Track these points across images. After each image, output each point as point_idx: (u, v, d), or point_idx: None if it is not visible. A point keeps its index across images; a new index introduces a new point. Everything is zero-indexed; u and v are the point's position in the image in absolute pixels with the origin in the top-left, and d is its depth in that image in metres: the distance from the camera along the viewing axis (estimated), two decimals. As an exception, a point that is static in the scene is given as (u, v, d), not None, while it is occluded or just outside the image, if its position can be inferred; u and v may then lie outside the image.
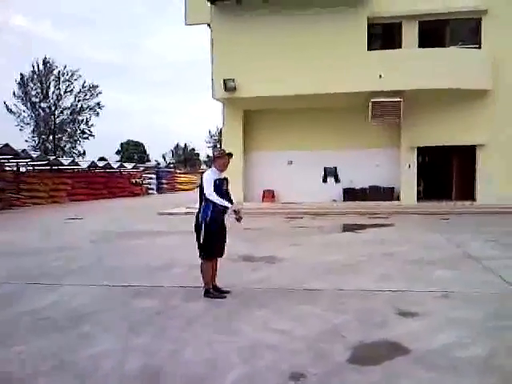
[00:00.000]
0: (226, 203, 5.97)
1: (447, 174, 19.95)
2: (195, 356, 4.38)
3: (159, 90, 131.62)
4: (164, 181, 48.30)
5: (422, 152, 19.80)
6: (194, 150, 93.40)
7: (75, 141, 56.89)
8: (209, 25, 19.88)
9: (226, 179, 6.22)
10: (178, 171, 61.94)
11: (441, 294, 6.34)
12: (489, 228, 12.72)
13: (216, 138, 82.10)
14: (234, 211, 6.04)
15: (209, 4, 18.97)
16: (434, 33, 18.95)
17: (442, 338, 4.74)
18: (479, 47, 18.44)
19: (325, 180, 20.87)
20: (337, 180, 20.79)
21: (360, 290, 6.53)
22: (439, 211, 16.97)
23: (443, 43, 18.82)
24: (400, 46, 18.86)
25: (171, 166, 78.95)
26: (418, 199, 19.26)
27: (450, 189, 19.84)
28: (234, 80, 18.39)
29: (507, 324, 5.15)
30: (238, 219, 6.11)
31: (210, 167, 6.32)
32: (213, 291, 6.27)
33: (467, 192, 18.99)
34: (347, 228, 13.43)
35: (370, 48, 18.29)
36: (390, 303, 5.91)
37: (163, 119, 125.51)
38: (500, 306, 5.81)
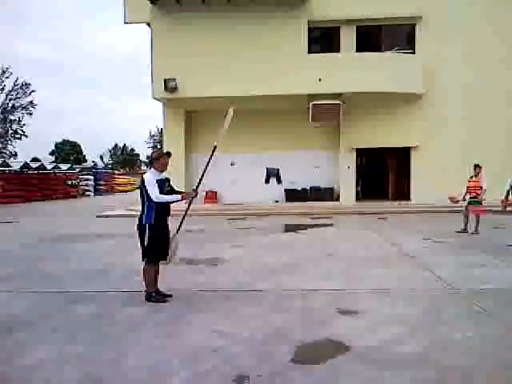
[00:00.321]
0: (176, 196, 5.94)
1: (384, 174, 20.66)
2: (137, 362, 4.27)
3: (97, 89, 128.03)
4: (102, 182, 46.96)
5: (361, 153, 20.40)
6: (133, 150, 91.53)
7: (6, 141, 54.17)
8: (148, 24, 19.54)
9: (167, 179, 6.13)
10: (117, 172, 60.42)
11: (379, 291, 6.53)
12: (423, 227, 13.26)
13: (156, 138, 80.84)
14: (193, 190, 6.14)
15: (149, 3, 18.64)
16: (371, 38, 19.59)
17: (380, 335, 4.87)
18: (413, 53, 19.23)
19: (267, 181, 21.05)
20: (279, 181, 21.02)
21: (302, 290, 6.61)
22: (376, 211, 17.52)
23: (380, 48, 19.47)
24: (339, 50, 19.34)
25: (109, 166, 76.94)
26: (357, 199, 19.83)
27: (387, 189, 20.56)
28: (175, 80, 18.17)
29: (442, 319, 5.37)
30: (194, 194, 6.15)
31: (149, 168, 6.19)
32: (155, 295, 6.14)
33: (403, 192, 19.76)
34: (289, 228, 13.59)
35: (310, 51, 18.63)
36: (331, 302, 6.03)
37: (102, 119, 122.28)
38: (435, 302, 6.06)
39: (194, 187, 6.30)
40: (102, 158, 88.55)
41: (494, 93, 18.81)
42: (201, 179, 6.42)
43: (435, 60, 18.77)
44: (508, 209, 10.56)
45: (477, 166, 12.13)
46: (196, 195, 6.23)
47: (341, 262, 8.60)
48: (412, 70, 18.57)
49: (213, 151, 6.37)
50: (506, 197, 11.51)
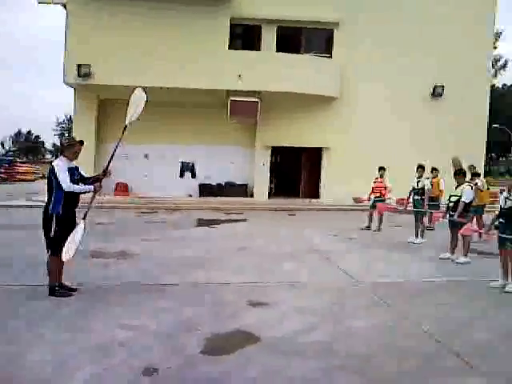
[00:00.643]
0: (89, 187, 5.71)
1: (297, 173, 21.23)
2: (41, 358, 4.07)
3: (6, 70, 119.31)
4: (1, 170, 43.83)
5: (276, 151, 20.80)
6: (38, 137, 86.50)
7: None
8: (64, 6, 18.54)
9: (76, 168, 5.87)
10: (19, 160, 56.75)
11: (289, 284, 6.73)
12: (331, 224, 13.81)
13: (64, 125, 77.00)
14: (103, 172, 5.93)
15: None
16: (292, 39, 20.02)
17: (289, 326, 5.03)
18: (330, 57, 19.93)
19: (182, 175, 20.83)
20: (193, 175, 20.88)
21: (213, 284, 6.65)
22: (288, 208, 17.98)
23: (299, 50, 19.96)
24: (259, 49, 19.56)
25: (11, 154, 72.12)
26: (270, 196, 20.21)
27: (299, 187, 21.15)
28: (89, 66, 17.43)
29: (346, 310, 5.65)
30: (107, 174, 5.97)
31: (57, 156, 5.89)
32: (59, 289, 5.87)
33: (314, 190, 20.44)
34: (202, 223, 13.57)
35: (232, 47, 18.67)
36: (242, 295, 6.11)
37: (7, 102, 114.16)
38: (340, 294, 6.35)
39: (105, 167, 6.03)
40: (2, 144, 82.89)
41: (402, 98, 19.94)
42: (110, 159, 6.13)
43: (348, 65, 19.57)
44: (408, 208, 11.29)
45: (381, 169, 12.84)
46: (108, 174, 5.98)
47: (252, 256, 8.74)
48: (329, 74, 19.24)
49: (123, 131, 6.10)
50: (408, 197, 12.24)
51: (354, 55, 19.70)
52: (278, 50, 19.56)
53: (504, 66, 61.04)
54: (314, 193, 20.43)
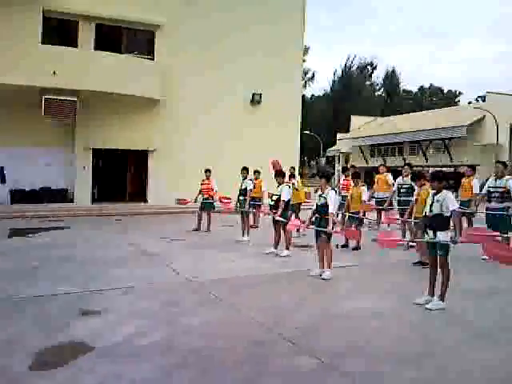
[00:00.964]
0: None
1: (123, 176, 20.60)
2: None
3: None
4: None
5: (99, 154, 19.90)
6: None
7: None
8: None
9: None
10: None
11: (120, 290, 6.54)
12: (160, 227, 13.76)
13: None
14: None
15: None
16: (112, 38, 19.34)
17: (124, 331, 4.92)
18: (153, 59, 19.77)
19: (-11, 180, 18.64)
20: (3, 180, 18.85)
21: (37, 296, 6.14)
22: (115, 213, 17.36)
23: (120, 50, 19.40)
24: (77, 46, 18.51)
25: None
26: (94, 201, 19.28)
27: (125, 191, 20.56)
28: None
29: (182, 309, 5.72)
30: None
31: None
32: None
33: (140, 194, 20.06)
34: (18, 232, 12.35)
35: (47, 42, 17.33)
36: (70, 305, 5.79)
37: None
38: (175, 294, 6.40)
39: None
40: None
41: (224, 103, 20.72)
42: None
43: (171, 68, 19.67)
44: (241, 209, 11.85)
45: (207, 171, 13.19)
46: None
47: (80, 263, 8.28)
48: (151, 76, 19.04)
49: None
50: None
51: (178, 58, 19.87)
52: (98, 48, 18.77)
53: (312, 78, 67.93)
54: (142, 196, 20.08)
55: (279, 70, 21.73)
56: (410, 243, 9.80)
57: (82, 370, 3.98)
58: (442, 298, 5.66)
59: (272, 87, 21.62)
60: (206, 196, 12.99)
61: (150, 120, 19.57)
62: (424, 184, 8.23)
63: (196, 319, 5.34)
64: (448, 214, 5.75)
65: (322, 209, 7.28)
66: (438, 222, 5.79)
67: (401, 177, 10.47)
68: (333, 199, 7.19)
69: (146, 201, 19.92)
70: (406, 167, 10.52)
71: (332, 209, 7.16)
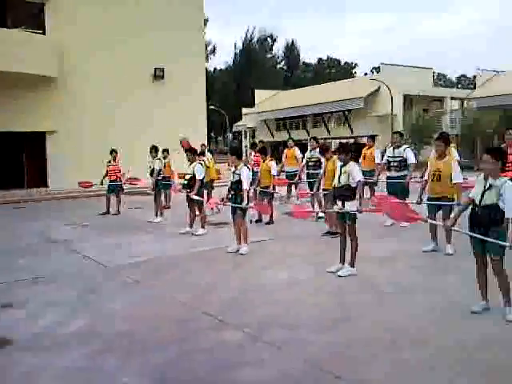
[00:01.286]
0: None
1: (19, 161, 19.29)
2: None
3: None
4: None
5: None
6: None
7: None
8: None
9: None
10: None
11: (31, 281, 6.28)
12: (66, 212, 13.19)
13: None
14: None
15: None
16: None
17: (42, 322, 4.78)
18: (43, 33, 18.49)
19: None
20: None
21: None
22: (12, 200, 16.31)
23: (5, 24, 17.92)
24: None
25: None
26: (-12, 189, 17.92)
27: (23, 176, 19.31)
28: None
29: (101, 294, 5.63)
30: None
31: None
32: None
33: (40, 179, 18.94)
34: None
35: None
36: (-21, 300, 5.46)
37: None
38: (92, 281, 6.25)
39: None
40: None
41: (127, 80, 19.99)
42: None
43: (66, 43, 18.52)
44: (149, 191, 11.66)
45: (113, 151, 12.74)
46: None
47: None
48: (42, 51, 17.80)
49: None
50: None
51: (74, 34, 18.77)
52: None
53: (213, 51, 67.27)
54: (42, 182, 18.97)
55: (181, 43, 21.37)
56: (320, 214, 10.31)
57: (6, 363, 3.87)
58: (352, 264, 6.06)
59: (175, 62, 21.24)
60: (113, 178, 12.60)
61: (46, 100, 18.41)
62: (331, 156, 8.63)
63: (117, 304, 5.29)
64: (354, 185, 6.12)
65: (236, 185, 7.41)
66: (346, 192, 6.15)
67: (309, 150, 10.85)
68: (245, 175, 7.33)
69: (46, 186, 18.86)
70: (312, 141, 10.92)
71: (246, 185, 7.32)
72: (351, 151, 6.37)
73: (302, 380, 3.51)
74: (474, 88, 41.61)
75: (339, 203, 6.22)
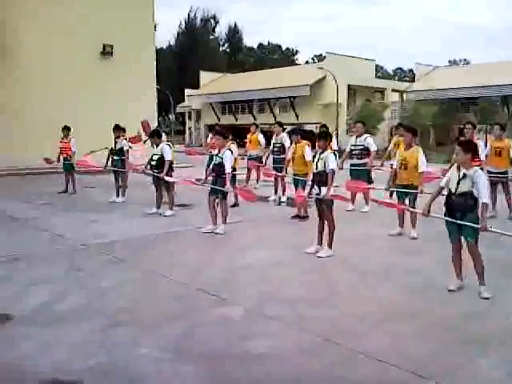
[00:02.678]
0: None
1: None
2: None
3: None
4: None
5: None
6: None
7: None
8: None
9: None
10: None
11: (6, 260, 6.13)
12: (24, 189, 12.65)
13: None
14: None
15: None
16: None
17: (36, 299, 4.77)
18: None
19: None
20: None
21: None
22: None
23: None
24: None
25: None
26: None
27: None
28: None
29: (88, 273, 5.64)
30: None
31: None
32: None
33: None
34: None
35: None
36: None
37: None
38: (71, 259, 6.21)
39: None
40: None
41: (75, 57, 19.27)
42: None
43: (14, 16, 17.55)
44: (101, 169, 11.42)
45: (65, 128, 12.26)
46: None
47: None
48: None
49: None
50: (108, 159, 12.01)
51: (20, 11, 17.83)
52: None
53: (154, 30, 65.52)
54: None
55: (130, 20, 20.81)
56: (282, 199, 10.66)
57: (14, 337, 3.90)
58: (330, 246, 6.41)
59: (124, 38, 20.67)
60: (64, 156, 12.22)
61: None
62: (298, 141, 8.93)
63: (107, 281, 5.34)
64: (328, 172, 6.45)
65: (218, 168, 7.55)
66: (322, 178, 6.47)
67: (275, 135, 11.09)
68: (228, 159, 7.49)
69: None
70: (276, 126, 11.17)
71: (228, 169, 7.47)
72: (329, 138, 6.71)
73: (314, 350, 3.79)
74: (412, 81, 43.48)
75: (316, 188, 6.53)
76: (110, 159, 11.18)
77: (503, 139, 9.03)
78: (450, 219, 5.02)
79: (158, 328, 4.15)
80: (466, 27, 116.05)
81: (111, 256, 6.35)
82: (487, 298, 4.78)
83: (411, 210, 6.76)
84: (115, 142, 11.10)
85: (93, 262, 6.12)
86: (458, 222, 4.92)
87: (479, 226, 4.77)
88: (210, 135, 14.31)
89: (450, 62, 75.06)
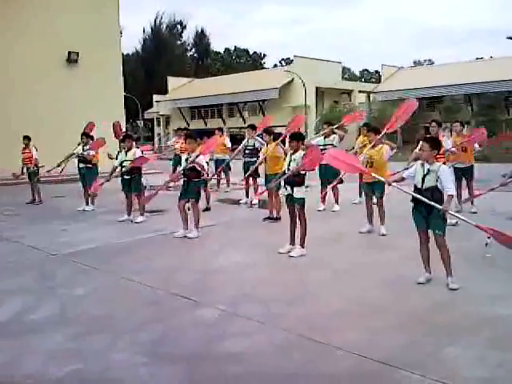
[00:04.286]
0: None
1: None
2: None
3: None
4: None
5: None
6: None
7: None
8: None
9: None
10: None
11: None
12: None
13: None
14: None
15: None
16: None
17: (7, 310, 4.71)
18: None
19: None
20: None
21: None
22: None
23: None
24: None
25: None
26: None
27: None
28: None
29: (59, 283, 5.57)
30: None
31: None
32: None
33: None
34: None
35: None
36: None
37: None
38: (43, 269, 6.14)
39: None
40: None
41: (39, 63, 18.95)
42: None
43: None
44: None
45: (25, 138, 11.96)
46: None
47: None
48: None
49: None
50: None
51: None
52: None
53: (120, 35, 64.92)
54: None
55: (95, 27, 20.64)
56: (254, 201, 10.70)
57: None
58: (302, 245, 6.49)
59: (90, 45, 20.47)
60: (28, 165, 11.99)
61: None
62: (270, 141, 9.01)
63: (80, 289, 5.30)
64: (303, 172, 6.54)
65: (190, 172, 7.55)
66: (295, 178, 6.54)
67: (246, 139, 11.15)
68: (204, 163, 7.52)
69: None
70: (249, 129, 11.22)
71: (204, 169, 7.53)
72: (302, 139, 6.80)
73: (290, 347, 3.85)
74: (379, 82, 44.30)
75: (288, 188, 6.60)
76: (77, 167, 11.03)
77: (465, 135, 9.36)
78: (414, 195, 5.14)
79: (133, 333, 4.14)
80: (429, 28, 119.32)
81: (83, 264, 6.28)
82: (455, 289, 4.93)
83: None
84: (82, 150, 10.96)
85: (64, 271, 6.04)
86: (427, 201, 4.96)
87: (441, 207, 4.93)
88: (174, 138, 14.38)
89: (414, 62, 76.85)
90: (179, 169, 8.31)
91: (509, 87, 33.54)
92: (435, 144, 5.22)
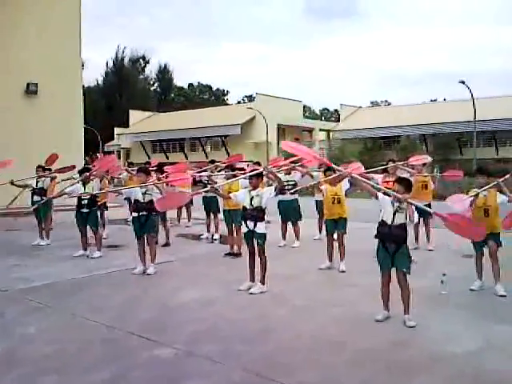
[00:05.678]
0: None
1: None
2: None
3: None
4: None
5: None
6: None
7: None
8: None
9: None
10: None
11: None
12: None
13: None
14: None
15: None
16: None
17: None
18: None
19: None
20: None
21: None
22: None
23: None
24: None
25: None
26: None
27: None
28: None
29: (7, 320, 5.33)
30: None
31: None
32: None
33: None
34: None
35: None
36: None
37: None
38: (-8, 306, 5.86)
39: None
40: None
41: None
42: None
43: None
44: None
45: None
46: None
47: None
48: None
49: None
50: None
51: None
52: None
53: (81, 68, 64.69)
54: None
55: (56, 59, 20.41)
56: (215, 236, 10.68)
57: None
58: (262, 282, 6.47)
59: (50, 76, 20.21)
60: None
61: None
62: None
63: (31, 328, 5.09)
64: (265, 207, 6.58)
65: (148, 206, 7.46)
66: (259, 213, 6.56)
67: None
68: (158, 196, 7.43)
69: None
70: (209, 165, 11.26)
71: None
72: (261, 176, 6.86)
73: (247, 386, 3.79)
74: (338, 121, 45.57)
75: (251, 224, 6.59)
76: (31, 200, 10.69)
77: (424, 173, 9.61)
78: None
79: (86, 374, 3.99)
80: (385, 70, 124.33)
81: (36, 301, 6.04)
82: (412, 327, 5.00)
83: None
84: (37, 182, 10.67)
85: (16, 308, 5.80)
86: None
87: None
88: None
89: (371, 102, 79.48)
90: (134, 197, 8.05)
91: (462, 128, 35.07)
92: (408, 185, 5.38)
